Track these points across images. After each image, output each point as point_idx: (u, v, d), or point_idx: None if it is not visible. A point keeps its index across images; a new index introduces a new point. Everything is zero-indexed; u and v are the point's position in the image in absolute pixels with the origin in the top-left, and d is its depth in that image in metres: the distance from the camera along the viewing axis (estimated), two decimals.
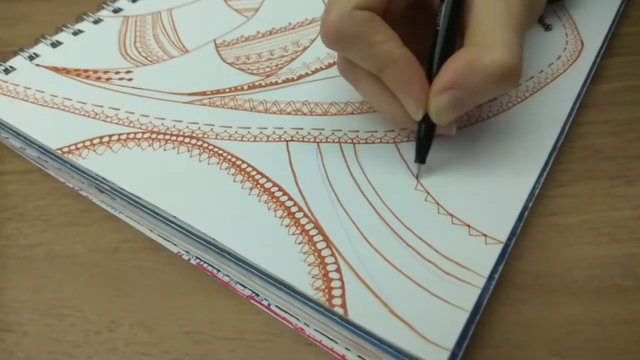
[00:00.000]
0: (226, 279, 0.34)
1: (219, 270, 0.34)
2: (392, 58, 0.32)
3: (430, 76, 0.33)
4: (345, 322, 0.29)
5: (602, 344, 0.30)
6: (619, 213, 0.36)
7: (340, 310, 0.29)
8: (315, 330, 0.31)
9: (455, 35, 0.33)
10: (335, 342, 0.31)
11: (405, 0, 0.35)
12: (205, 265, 0.34)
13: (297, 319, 0.32)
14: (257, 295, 0.33)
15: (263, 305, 0.33)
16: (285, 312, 0.32)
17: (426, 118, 0.33)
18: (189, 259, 0.35)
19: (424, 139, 0.34)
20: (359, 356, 0.30)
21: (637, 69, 0.45)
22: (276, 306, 0.32)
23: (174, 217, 0.34)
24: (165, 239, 0.36)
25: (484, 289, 0.30)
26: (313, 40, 0.47)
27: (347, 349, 0.30)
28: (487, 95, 0.33)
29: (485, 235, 0.32)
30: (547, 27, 0.47)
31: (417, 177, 0.35)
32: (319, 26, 0.33)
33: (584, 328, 0.31)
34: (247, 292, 0.33)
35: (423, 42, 0.34)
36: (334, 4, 0.32)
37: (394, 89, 0.33)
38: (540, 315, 0.31)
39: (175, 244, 0.36)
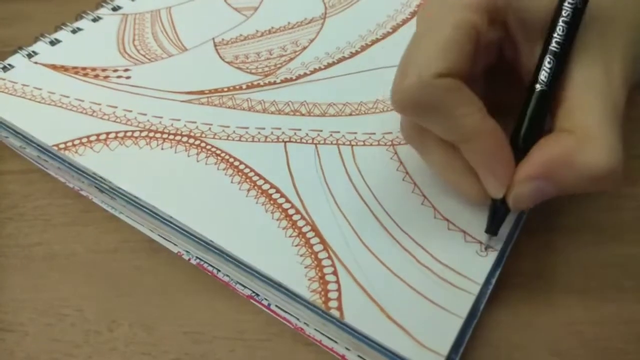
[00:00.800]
0: (226, 279, 0.34)
1: (219, 270, 0.34)
2: (478, 131, 0.28)
3: (514, 155, 0.29)
4: (341, 325, 0.29)
5: (602, 344, 0.30)
6: (619, 213, 0.36)
7: (336, 313, 0.29)
8: (315, 330, 0.31)
9: (545, 111, 0.30)
10: (335, 342, 0.31)
11: (486, 60, 0.32)
12: (205, 265, 0.34)
13: (297, 319, 0.32)
14: (257, 295, 0.33)
15: (263, 305, 0.33)
16: (285, 312, 0.32)
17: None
18: (189, 259, 0.35)
19: (499, 216, 0.31)
20: (359, 356, 0.30)
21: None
22: (276, 306, 0.32)
23: (171, 217, 0.34)
24: (165, 239, 0.36)
25: (479, 296, 0.30)
26: (312, 40, 0.47)
27: (347, 348, 0.30)
28: (578, 192, 0.30)
29: (481, 243, 0.32)
30: None
31: (485, 248, 0.32)
32: (391, 90, 0.29)
33: (584, 328, 0.31)
34: (247, 292, 0.33)
35: (500, 108, 0.30)
36: (412, 66, 0.28)
37: (474, 164, 0.30)
38: (540, 315, 0.31)
39: (175, 244, 0.36)
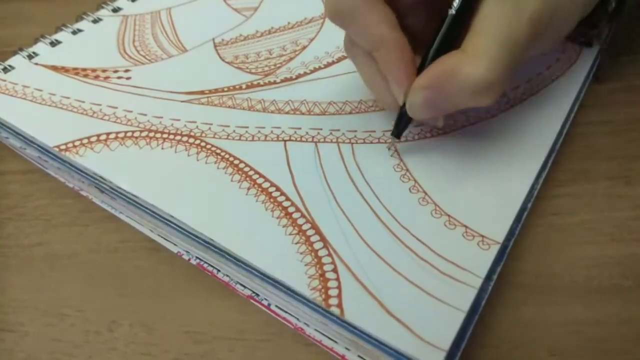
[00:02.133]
0: (226, 278, 0.34)
1: (219, 270, 0.34)
2: (382, 39, 0.33)
3: (422, 70, 0.33)
4: (342, 322, 0.29)
5: (602, 344, 0.30)
6: (619, 213, 0.36)
7: (336, 310, 0.29)
8: (315, 330, 0.31)
9: (456, 35, 0.33)
10: (335, 342, 0.31)
11: None
12: (205, 265, 0.34)
13: (297, 319, 0.32)
14: (257, 295, 0.33)
15: (263, 305, 0.33)
16: (285, 312, 0.32)
17: None
18: (189, 259, 0.35)
19: (403, 121, 0.35)
20: (359, 356, 0.30)
21: (637, 69, 0.45)
22: (276, 306, 0.32)
23: (171, 216, 0.34)
24: (165, 239, 0.36)
25: (481, 290, 0.30)
26: (312, 40, 0.47)
27: (347, 348, 0.30)
28: (461, 104, 0.32)
29: (483, 236, 0.32)
30: (588, 44, 0.46)
31: (388, 149, 0.37)
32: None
33: (584, 328, 0.31)
34: (247, 292, 0.33)
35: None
36: None
37: (383, 70, 0.34)
38: (540, 315, 0.31)
39: (175, 244, 0.36)
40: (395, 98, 0.35)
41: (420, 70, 0.33)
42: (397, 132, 0.36)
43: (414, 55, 0.34)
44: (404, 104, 0.34)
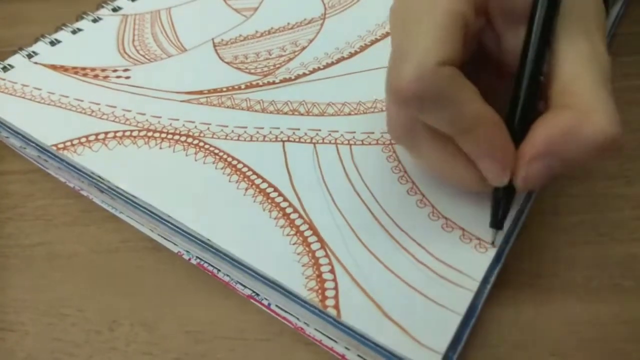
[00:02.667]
0: (226, 278, 0.34)
1: (219, 270, 0.34)
2: (479, 119, 0.28)
3: (514, 139, 0.29)
4: (338, 324, 0.29)
5: (602, 344, 0.30)
6: (619, 213, 0.36)
7: (333, 312, 0.29)
8: (315, 329, 0.31)
9: (538, 92, 0.29)
10: (335, 342, 0.31)
11: (471, 50, 0.31)
12: (205, 265, 0.34)
13: (297, 319, 0.32)
14: (258, 294, 0.33)
15: (263, 304, 0.33)
16: (286, 311, 0.32)
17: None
18: (189, 259, 0.35)
19: (505, 205, 0.31)
20: (358, 355, 0.30)
21: (637, 69, 0.45)
22: (276, 305, 0.32)
23: (168, 216, 0.34)
24: (166, 239, 0.36)
25: (478, 293, 0.30)
26: (311, 41, 0.47)
27: (346, 348, 0.30)
28: (584, 164, 0.30)
29: (479, 239, 0.32)
30: None
31: (492, 244, 0.32)
32: (386, 82, 0.29)
33: (584, 328, 0.31)
34: (247, 292, 0.33)
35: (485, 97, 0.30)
36: (410, 55, 0.27)
37: (474, 153, 0.29)
38: (540, 315, 0.31)
39: (175, 244, 0.36)
40: (491, 181, 0.30)
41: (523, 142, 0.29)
42: (499, 223, 0.31)
43: (507, 130, 0.29)
44: (503, 187, 0.30)
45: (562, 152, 0.28)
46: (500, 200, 0.31)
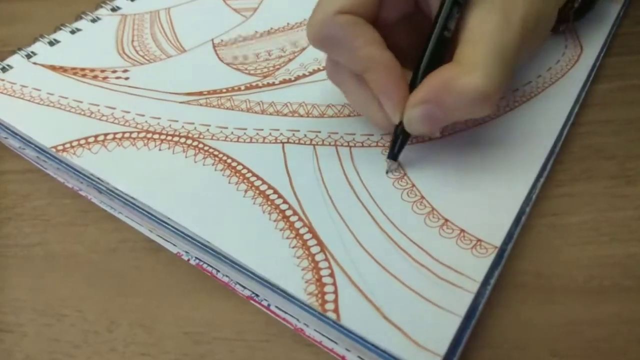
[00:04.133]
0: (226, 279, 0.34)
1: (218, 271, 0.34)
2: (373, 61, 0.32)
3: (414, 86, 0.33)
4: (338, 327, 0.29)
5: (602, 344, 0.30)
6: (619, 213, 0.36)
7: (332, 315, 0.29)
8: (315, 330, 0.31)
9: (444, 49, 0.33)
10: (335, 343, 0.31)
11: (399, 8, 0.35)
12: (204, 265, 0.34)
13: (297, 320, 0.32)
14: (257, 295, 0.33)
15: (263, 305, 0.32)
16: (285, 312, 0.32)
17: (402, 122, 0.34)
18: (189, 259, 0.35)
19: (400, 141, 0.35)
20: (359, 357, 0.30)
21: (637, 69, 0.45)
22: (276, 306, 0.32)
23: (168, 218, 0.34)
24: (165, 239, 0.36)
25: (478, 294, 0.30)
26: None
27: (347, 349, 0.30)
28: (460, 116, 0.33)
29: (480, 240, 0.32)
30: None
31: (386, 172, 0.36)
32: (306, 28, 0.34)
33: (584, 328, 0.31)
34: (247, 293, 0.33)
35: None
36: (319, 7, 0.33)
37: (375, 92, 0.34)
38: (540, 315, 0.31)
39: (174, 244, 0.36)
40: (389, 117, 0.34)
41: (412, 87, 0.33)
42: (394, 155, 0.35)
43: (404, 73, 0.34)
44: (399, 124, 0.34)
45: (439, 100, 0.31)
46: (399, 136, 0.35)
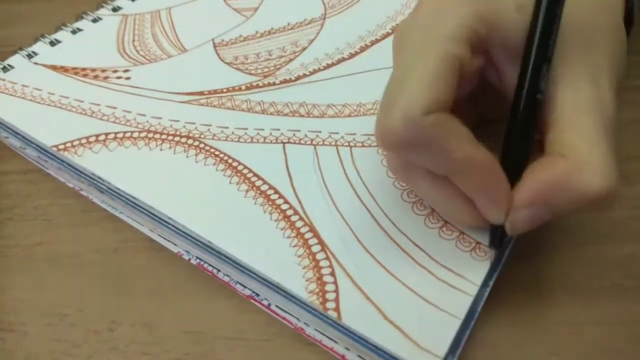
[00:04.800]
0: (226, 278, 0.34)
1: (219, 270, 0.34)
2: (470, 162, 0.27)
3: (511, 174, 0.29)
4: (339, 326, 0.29)
5: (602, 344, 0.30)
6: (619, 213, 0.36)
7: (333, 314, 0.29)
8: (316, 330, 0.31)
9: (533, 132, 0.29)
10: (335, 342, 0.31)
11: (470, 86, 0.31)
12: (205, 265, 0.34)
13: (298, 319, 0.32)
14: (258, 295, 0.33)
15: (263, 305, 0.33)
16: (286, 311, 0.32)
17: None
18: (190, 259, 0.35)
19: (501, 236, 0.30)
20: (359, 356, 0.30)
21: (637, 69, 0.45)
22: (276, 306, 0.32)
23: (169, 218, 0.34)
24: (166, 239, 0.36)
25: (477, 297, 0.30)
26: (312, 41, 0.47)
27: (347, 348, 0.30)
28: (575, 215, 0.30)
29: (479, 243, 0.32)
30: None
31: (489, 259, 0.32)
32: (375, 128, 0.28)
33: (584, 328, 0.31)
34: (248, 292, 0.33)
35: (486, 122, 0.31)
36: (396, 104, 0.27)
37: (470, 193, 0.29)
38: (540, 315, 0.31)
39: (175, 244, 0.36)
40: (489, 219, 0.30)
41: (504, 167, 0.29)
42: (497, 244, 0.31)
43: (502, 170, 0.28)
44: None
45: (551, 203, 0.27)
46: (500, 234, 0.30)
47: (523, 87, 0.28)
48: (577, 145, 0.27)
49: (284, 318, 0.32)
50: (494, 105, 0.31)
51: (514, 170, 0.28)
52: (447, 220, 0.33)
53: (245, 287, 0.33)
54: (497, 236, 0.31)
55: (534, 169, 0.28)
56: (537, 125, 0.29)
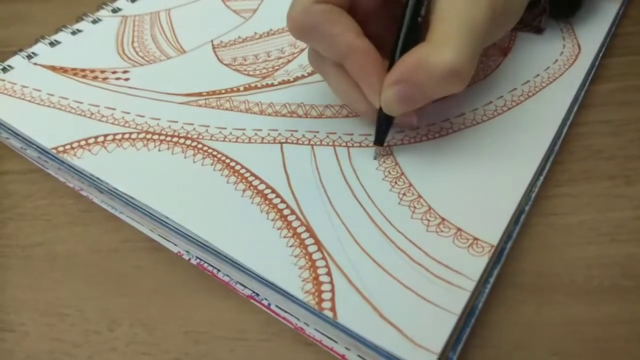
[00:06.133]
0: (226, 278, 0.34)
1: (219, 270, 0.34)
2: (350, 48, 0.33)
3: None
4: (336, 325, 0.29)
5: (602, 344, 0.30)
6: (619, 213, 0.36)
7: (329, 314, 0.29)
8: (315, 329, 0.31)
9: (417, 31, 0.33)
10: (335, 342, 0.31)
11: None
12: (205, 265, 0.34)
13: (297, 319, 0.32)
14: (258, 294, 0.33)
15: (263, 304, 0.33)
16: (285, 311, 0.32)
17: None
18: (189, 259, 0.35)
19: (382, 125, 0.36)
20: (359, 356, 0.30)
21: (637, 69, 0.45)
22: (276, 306, 0.32)
23: (167, 217, 0.34)
24: (166, 239, 0.36)
25: (475, 293, 0.30)
26: None
27: (347, 348, 0.30)
28: (434, 94, 0.33)
29: (476, 239, 0.32)
30: (538, 30, 0.47)
31: (375, 158, 0.37)
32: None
33: (584, 328, 0.31)
34: (248, 292, 0.33)
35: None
36: None
37: (355, 79, 0.35)
38: (540, 315, 0.31)
39: (175, 244, 0.36)
40: (371, 103, 0.35)
41: (389, 71, 0.34)
42: (379, 139, 0.36)
43: (382, 59, 0.34)
44: (381, 109, 0.34)
45: (412, 79, 0.32)
46: (382, 120, 0.35)
47: (406, 9, 0.33)
48: (440, 32, 0.31)
49: (284, 318, 0.32)
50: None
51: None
52: (443, 218, 0.33)
53: (245, 287, 0.33)
54: (381, 132, 0.36)
55: (404, 55, 0.32)
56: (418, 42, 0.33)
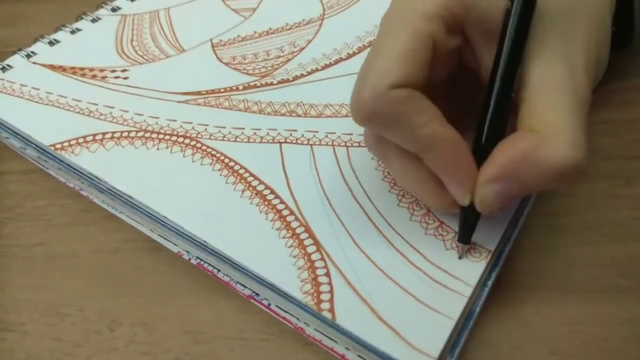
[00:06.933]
0: (226, 278, 0.34)
1: (219, 270, 0.34)
2: (436, 140, 0.28)
3: (477, 158, 0.29)
4: (334, 326, 0.29)
5: (602, 344, 0.30)
6: (619, 213, 0.36)
7: (328, 315, 0.29)
8: (315, 330, 0.31)
9: (507, 112, 0.29)
10: (335, 342, 0.31)
11: (448, 68, 0.31)
12: (205, 265, 0.34)
13: (297, 319, 0.32)
14: (258, 294, 0.33)
15: (263, 304, 0.33)
16: (285, 311, 0.32)
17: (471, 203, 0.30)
18: (190, 259, 0.35)
19: (469, 224, 0.31)
20: (359, 356, 0.30)
21: (637, 69, 0.45)
22: (276, 306, 0.32)
23: (165, 217, 0.34)
24: (166, 239, 0.36)
25: (472, 298, 0.30)
26: (310, 41, 0.47)
27: (347, 348, 0.30)
28: (542, 190, 0.30)
29: (474, 244, 0.32)
30: None
31: (460, 258, 0.31)
32: (350, 105, 0.29)
33: (584, 328, 0.31)
34: (248, 292, 0.33)
35: (466, 113, 0.30)
36: (367, 79, 0.28)
37: (437, 172, 0.29)
38: (540, 315, 0.31)
39: (175, 244, 0.36)
40: (447, 197, 0.30)
41: (476, 157, 0.29)
42: (466, 238, 0.31)
43: (470, 151, 0.29)
44: (467, 208, 0.30)
45: (518, 175, 0.27)
46: (467, 217, 0.30)
47: (498, 67, 0.28)
48: (548, 119, 0.27)
49: (284, 318, 0.32)
50: (474, 90, 0.31)
51: (486, 152, 0.28)
52: (441, 220, 0.33)
53: (245, 287, 0.33)
54: (466, 229, 0.31)
55: (502, 144, 0.28)
56: (511, 109, 0.29)
